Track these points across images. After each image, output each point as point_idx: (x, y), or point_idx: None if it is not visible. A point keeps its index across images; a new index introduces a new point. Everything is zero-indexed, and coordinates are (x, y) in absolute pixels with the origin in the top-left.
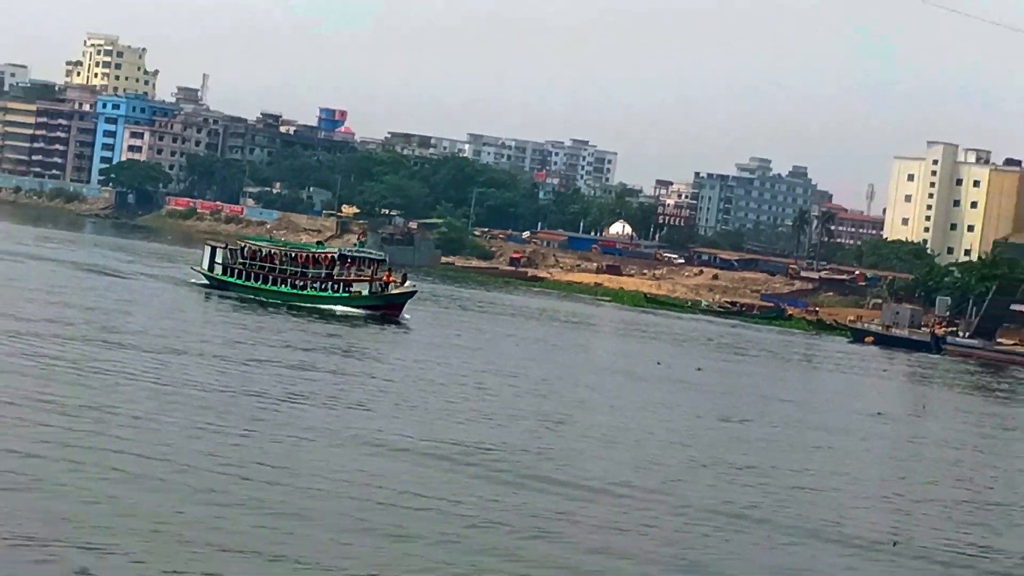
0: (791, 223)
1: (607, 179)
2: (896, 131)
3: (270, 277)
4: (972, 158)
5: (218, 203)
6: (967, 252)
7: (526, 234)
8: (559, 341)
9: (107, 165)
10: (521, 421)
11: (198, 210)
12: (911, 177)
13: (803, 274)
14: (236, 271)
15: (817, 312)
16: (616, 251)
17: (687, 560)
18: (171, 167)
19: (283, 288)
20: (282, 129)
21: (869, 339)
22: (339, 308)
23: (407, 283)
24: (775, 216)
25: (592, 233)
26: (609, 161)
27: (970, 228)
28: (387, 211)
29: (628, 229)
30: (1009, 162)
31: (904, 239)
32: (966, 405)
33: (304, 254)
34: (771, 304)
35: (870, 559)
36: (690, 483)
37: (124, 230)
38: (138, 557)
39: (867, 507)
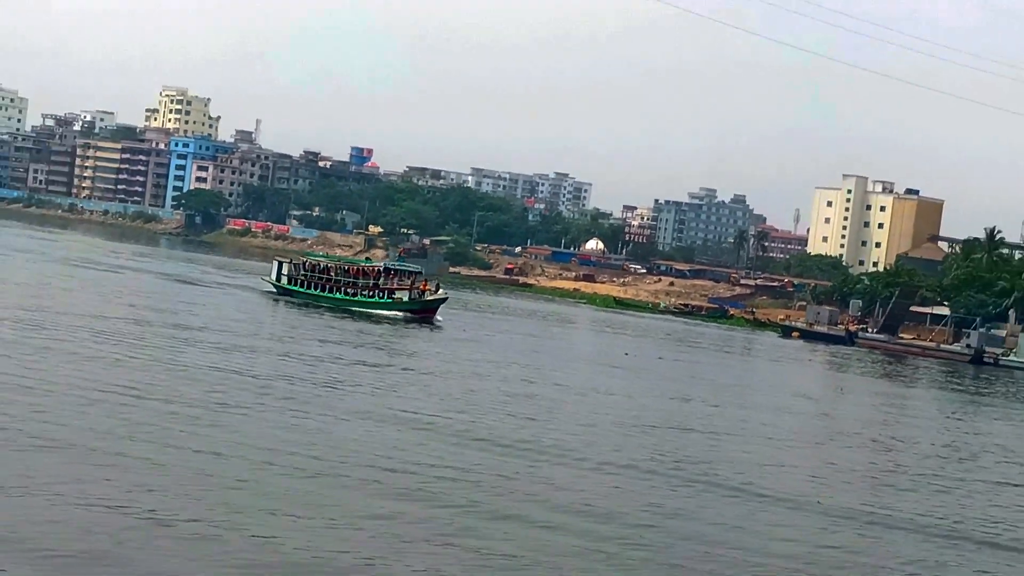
0: (732, 240)
1: (584, 204)
2: (818, 166)
3: (327, 286)
4: (879, 188)
5: (268, 224)
6: (875, 264)
7: (518, 249)
8: (546, 335)
9: (178, 193)
10: (512, 404)
11: (252, 229)
12: (830, 203)
13: (743, 281)
14: (299, 281)
15: (754, 312)
16: (591, 263)
17: (648, 512)
18: (230, 194)
19: (337, 295)
20: (320, 164)
21: (796, 334)
22: (384, 312)
23: (440, 291)
24: (720, 235)
25: (571, 248)
26: (585, 190)
27: (877, 244)
28: (405, 230)
29: (601, 245)
30: (909, 191)
31: (824, 253)
32: (875, 388)
33: (355, 267)
34: (716, 306)
35: (800, 515)
36: (649, 448)
37: (192, 245)
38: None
39: (794, 470)
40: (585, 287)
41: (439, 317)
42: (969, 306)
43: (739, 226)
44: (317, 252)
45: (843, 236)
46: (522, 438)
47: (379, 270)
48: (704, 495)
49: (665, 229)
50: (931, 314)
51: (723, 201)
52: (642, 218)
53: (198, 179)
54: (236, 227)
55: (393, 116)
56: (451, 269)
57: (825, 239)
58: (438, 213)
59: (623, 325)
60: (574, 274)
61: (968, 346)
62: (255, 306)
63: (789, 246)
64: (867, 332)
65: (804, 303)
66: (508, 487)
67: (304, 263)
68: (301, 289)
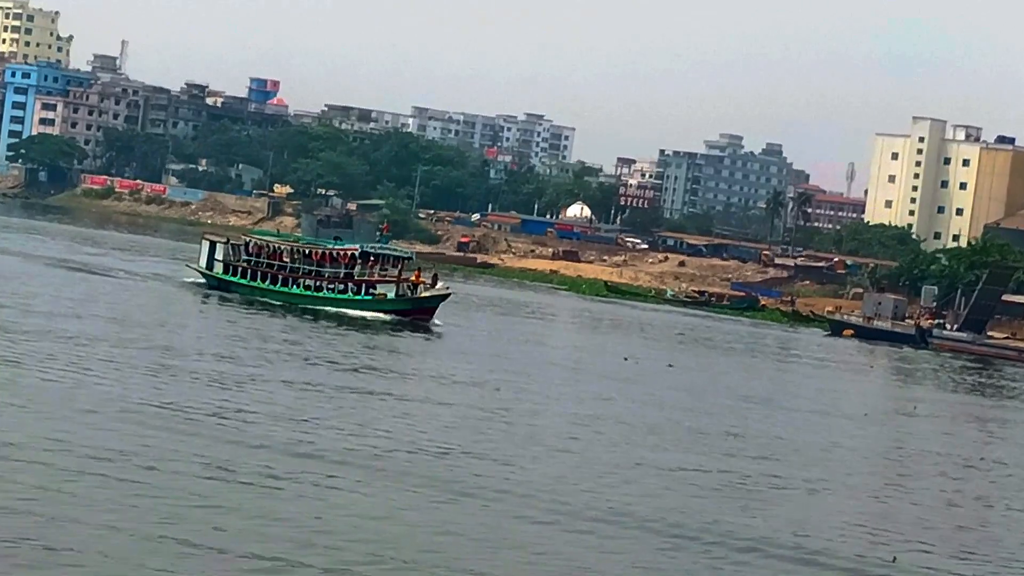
0: (764, 205)
1: (564, 157)
2: (879, 106)
3: (280, 276)
4: (961, 135)
5: (138, 182)
6: (955, 237)
7: (475, 216)
8: (513, 335)
9: (16, 140)
10: (478, 436)
11: (116, 189)
12: (895, 156)
13: (777, 261)
14: (240, 269)
15: (793, 302)
16: (574, 235)
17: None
18: (87, 142)
19: (295, 289)
20: (208, 101)
21: (849, 332)
22: (361, 313)
23: (439, 284)
24: (747, 198)
25: (547, 216)
26: (566, 137)
27: (959, 211)
28: (323, 191)
29: (587, 211)
30: (1001, 140)
31: (887, 223)
32: (959, 407)
33: (319, 251)
34: (742, 293)
35: None
36: (666, 503)
37: (35, 211)
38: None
39: (855, 528)
40: (566, 268)
41: (437, 320)
42: None
43: (773, 186)
44: (266, 228)
45: (913, 200)
46: (501, 488)
47: (353, 255)
48: (742, 565)
49: (674, 190)
50: None
51: (752, 152)
52: (642, 175)
53: (43, 121)
54: (94, 186)
55: (307, 35)
56: (373, 241)
57: (889, 204)
58: (368, 168)
59: (618, 320)
60: (551, 251)
61: None
62: (176, 305)
63: (840, 213)
64: (945, 329)
65: (860, 290)
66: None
67: (248, 244)
68: (243, 280)
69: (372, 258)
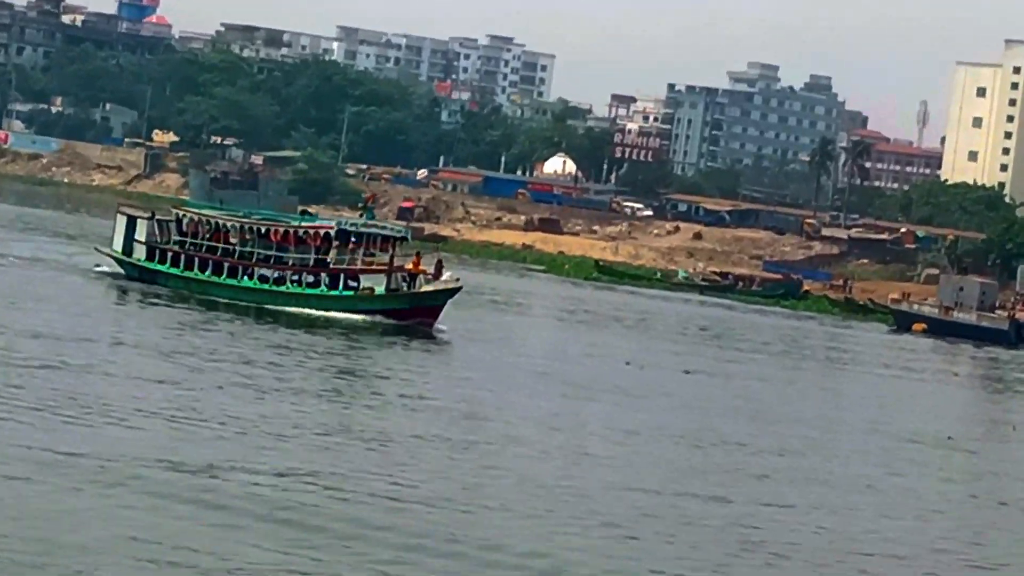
0: (808, 158)
1: (540, 94)
2: (961, 27)
3: (225, 265)
4: None
5: None
6: None
7: (422, 173)
8: (477, 333)
9: None
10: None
11: None
12: (982, 92)
13: (825, 232)
14: (170, 255)
15: (846, 287)
16: (554, 198)
17: None
18: None
19: (247, 282)
20: (65, 19)
21: (920, 326)
22: (339, 314)
23: (445, 273)
24: (785, 148)
25: (519, 172)
26: (543, 68)
27: None
28: (219, 139)
29: (571, 167)
30: None
31: (971, 182)
32: None
33: (280, 229)
34: (779, 276)
35: None
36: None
37: None
38: None
39: None
40: (544, 242)
41: (442, 325)
42: None
43: (820, 132)
44: (200, 201)
45: (1006, 151)
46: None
47: (327, 234)
48: None
49: (687, 138)
50: None
51: (791, 88)
52: (646, 118)
53: None
54: None
55: None
56: (301, 208)
57: (973, 156)
58: (278, 109)
59: (615, 310)
60: (524, 219)
61: None
62: (83, 306)
63: (909, 169)
64: None
65: (936, 271)
66: None
67: (181, 221)
68: (175, 270)
69: (353, 239)
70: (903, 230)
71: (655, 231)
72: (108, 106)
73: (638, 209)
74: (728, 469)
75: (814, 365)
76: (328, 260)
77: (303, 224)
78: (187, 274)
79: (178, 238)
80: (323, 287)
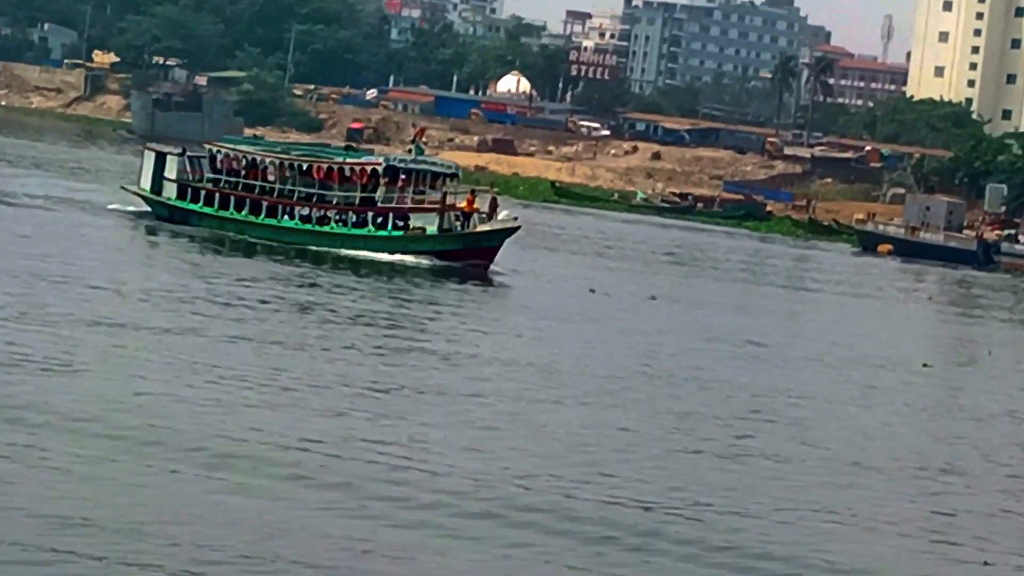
0: (770, 75)
1: (493, 11)
2: None
3: (263, 204)
4: None
5: None
6: None
7: (372, 93)
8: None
9: None
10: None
11: None
12: (948, 5)
13: (787, 151)
14: (203, 194)
15: (810, 208)
16: (508, 118)
17: None
18: None
19: (288, 222)
20: None
21: (886, 247)
22: (388, 256)
23: (501, 212)
24: (746, 65)
25: (471, 92)
26: None
27: None
28: (161, 60)
29: (525, 86)
30: None
31: (938, 98)
32: None
33: (324, 166)
34: (740, 196)
35: None
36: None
37: None
38: None
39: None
40: (498, 164)
41: (497, 267)
42: None
43: (782, 48)
44: (237, 137)
45: (973, 66)
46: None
47: (374, 170)
48: None
49: (645, 55)
50: None
51: (751, 2)
52: (603, 35)
53: None
54: None
55: None
56: (248, 131)
57: (940, 72)
58: (222, 28)
59: (575, 233)
60: (477, 140)
61: None
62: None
63: (874, 85)
64: (1018, 242)
65: (902, 190)
66: None
67: (213, 156)
68: (209, 209)
69: (403, 176)
70: (868, 148)
71: (612, 151)
72: (46, 26)
73: (595, 129)
74: (693, 418)
75: (778, 288)
76: (375, 198)
77: (348, 160)
78: (222, 213)
79: (212, 176)
80: (370, 227)
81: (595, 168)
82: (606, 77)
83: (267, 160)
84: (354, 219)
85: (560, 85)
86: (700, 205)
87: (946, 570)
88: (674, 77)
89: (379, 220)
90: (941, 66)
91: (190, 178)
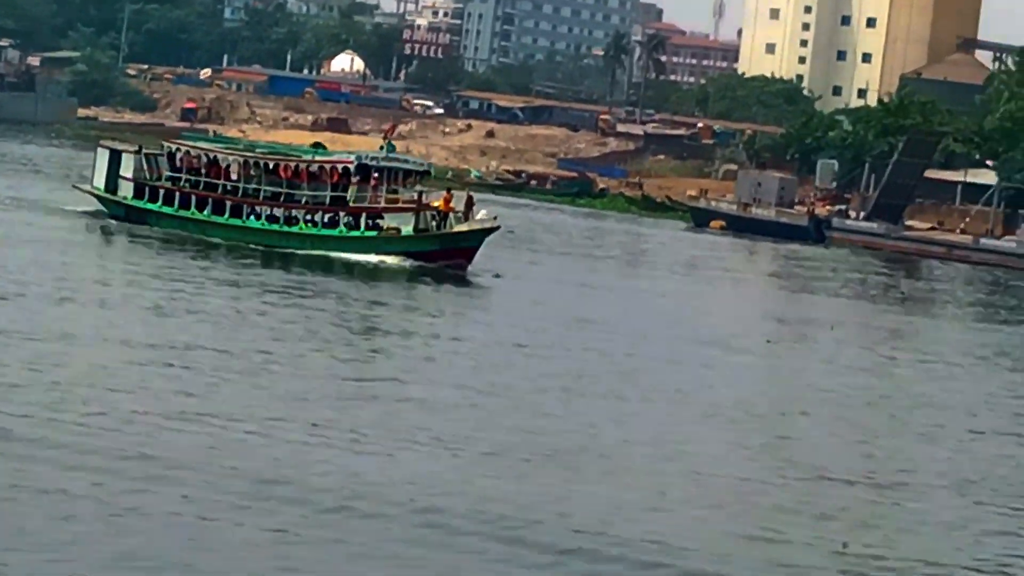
0: (602, 52)
1: None
2: None
3: (227, 203)
4: None
5: None
6: (862, 93)
7: (206, 72)
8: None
9: None
10: None
11: None
12: None
13: (620, 128)
14: (162, 192)
15: (642, 185)
16: (342, 97)
17: None
18: None
19: (252, 222)
20: None
21: (718, 223)
22: (362, 257)
23: (479, 212)
24: (578, 42)
25: (305, 71)
26: None
27: (866, 58)
28: None
29: (359, 65)
30: None
31: (770, 75)
32: (879, 322)
33: (291, 164)
34: (574, 173)
35: None
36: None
37: None
38: None
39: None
40: (333, 142)
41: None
42: None
43: (614, 26)
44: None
45: (804, 43)
46: None
47: (345, 168)
48: None
49: (478, 34)
50: (963, 183)
51: None
52: (436, 14)
53: None
54: None
55: None
56: (81, 111)
57: (771, 48)
58: (55, 7)
59: None
60: (311, 118)
61: None
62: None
63: (706, 62)
64: (848, 218)
65: (734, 167)
66: None
67: (173, 153)
68: (168, 209)
69: (375, 173)
70: (700, 125)
71: (446, 129)
72: None
73: (428, 107)
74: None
75: (609, 264)
76: (347, 197)
77: (317, 158)
78: (182, 213)
79: (172, 174)
80: (341, 227)
81: (429, 146)
82: (439, 55)
83: (230, 158)
84: (325, 219)
85: (394, 64)
86: (534, 183)
87: (801, 554)
88: (507, 55)
89: (351, 220)
90: (772, 43)
91: (148, 176)
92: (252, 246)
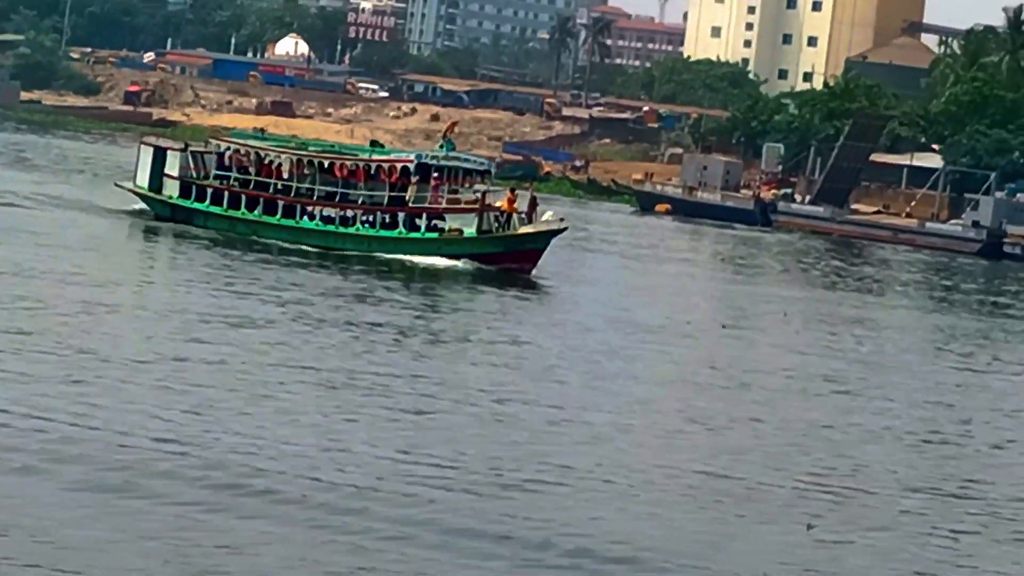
0: (547, 36)
1: None
2: None
3: (279, 204)
4: None
5: None
6: (807, 77)
7: (149, 56)
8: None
9: None
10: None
11: None
12: None
13: (565, 112)
14: (210, 192)
15: (587, 168)
16: (286, 80)
17: None
18: None
19: (307, 222)
20: None
21: (663, 207)
22: (422, 259)
23: (545, 214)
24: (524, 26)
25: (249, 55)
26: None
27: (811, 41)
28: None
29: (303, 48)
30: None
31: (715, 58)
32: (837, 308)
33: (349, 163)
34: (518, 157)
35: None
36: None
37: None
38: None
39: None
40: (277, 126)
41: (539, 275)
42: (978, 152)
43: (558, 10)
44: (247, 131)
45: (749, 27)
46: None
47: (405, 168)
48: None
49: (423, 17)
50: (909, 167)
51: None
52: None
53: None
54: None
55: None
56: (24, 95)
57: (717, 32)
58: None
59: None
60: (255, 101)
61: (976, 224)
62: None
63: (651, 46)
64: (794, 201)
65: (679, 150)
66: None
67: (221, 152)
68: (217, 209)
69: (435, 173)
70: (645, 109)
71: (391, 113)
72: None
73: (373, 91)
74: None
75: (551, 251)
76: (406, 197)
77: (375, 157)
78: (232, 213)
79: (220, 172)
80: (401, 228)
81: (374, 130)
82: (384, 39)
83: (281, 156)
84: (383, 220)
85: (338, 47)
86: None
87: (774, 539)
88: (452, 39)
89: (410, 221)
90: (718, 26)
91: (194, 175)
92: (306, 247)
